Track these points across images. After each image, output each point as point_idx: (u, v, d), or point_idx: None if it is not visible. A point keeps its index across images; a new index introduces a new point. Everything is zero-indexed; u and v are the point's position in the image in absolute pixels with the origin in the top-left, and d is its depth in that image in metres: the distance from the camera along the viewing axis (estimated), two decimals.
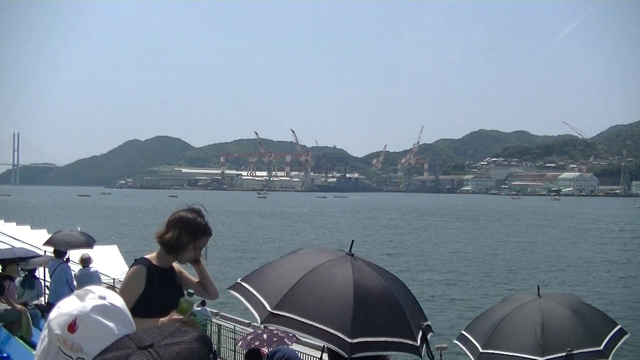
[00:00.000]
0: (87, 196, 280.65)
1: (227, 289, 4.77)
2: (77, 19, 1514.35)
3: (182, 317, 4.34)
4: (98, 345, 2.07)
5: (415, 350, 4.04)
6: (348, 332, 3.86)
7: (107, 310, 2.17)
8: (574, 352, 5.63)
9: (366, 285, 4.17)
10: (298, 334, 4.12)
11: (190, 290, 4.83)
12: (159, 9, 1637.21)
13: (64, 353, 2.16)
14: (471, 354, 6.28)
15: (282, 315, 4.06)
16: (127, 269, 20.02)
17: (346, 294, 4.06)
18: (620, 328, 6.16)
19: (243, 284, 4.56)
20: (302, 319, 3.99)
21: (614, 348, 5.88)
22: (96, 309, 2.16)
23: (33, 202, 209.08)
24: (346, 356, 3.86)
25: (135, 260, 5.23)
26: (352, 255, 4.51)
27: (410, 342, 4.03)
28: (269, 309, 4.13)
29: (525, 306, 6.39)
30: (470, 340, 6.37)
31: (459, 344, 6.59)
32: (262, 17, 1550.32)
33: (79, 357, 2.14)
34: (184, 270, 5.33)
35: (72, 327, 2.13)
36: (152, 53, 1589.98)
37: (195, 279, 5.30)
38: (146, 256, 5.19)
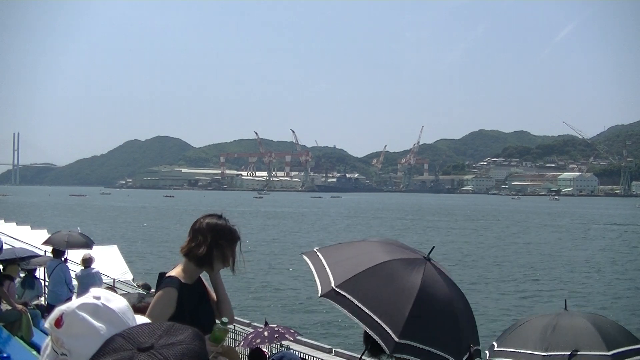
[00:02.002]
0: (82, 196, 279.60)
1: (302, 253, 4.58)
2: (78, 19, 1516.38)
3: (217, 346, 4.20)
4: (82, 343, 2.06)
5: None
6: (398, 330, 3.83)
7: (96, 310, 2.15)
8: (578, 352, 5.62)
9: (431, 292, 4.12)
10: (350, 317, 3.95)
11: (225, 319, 4.44)
12: (159, 9, 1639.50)
13: (53, 349, 2.18)
14: (487, 350, 6.41)
15: (342, 294, 4.02)
16: (127, 269, 19.87)
17: (409, 294, 4.02)
18: None
19: (318, 253, 4.46)
20: (360, 305, 3.95)
21: (624, 359, 5.73)
22: (84, 306, 2.15)
23: (33, 202, 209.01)
24: (388, 352, 3.83)
25: (161, 277, 4.73)
26: (429, 260, 4.43)
27: (451, 358, 3.95)
28: (333, 285, 4.08)
29: (546, 315, 6.54)
30: (493, 344, 6.52)
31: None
32: (262, 17, 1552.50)
33: (62, 353, 2.14)
34: (221, 284, 4.93)
35: (58, 322, 2.13)
36: (152, 53, 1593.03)
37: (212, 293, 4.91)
38: (172, 273, 4.69)
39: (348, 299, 4.00)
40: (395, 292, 4.07)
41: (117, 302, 2.25)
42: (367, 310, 3.93)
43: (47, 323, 2.18)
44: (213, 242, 4.59)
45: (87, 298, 2.20)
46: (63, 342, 2.12)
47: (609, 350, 5.67)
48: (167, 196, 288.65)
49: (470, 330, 4.30)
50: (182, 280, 4.60)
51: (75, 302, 2.19)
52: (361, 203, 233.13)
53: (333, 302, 4.05)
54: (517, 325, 6.57)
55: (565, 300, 6.94)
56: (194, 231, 4.70)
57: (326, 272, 4.21)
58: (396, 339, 3.80)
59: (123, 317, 2.21)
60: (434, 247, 4.70)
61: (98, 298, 2.19)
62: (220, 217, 4.78)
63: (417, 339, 3.86)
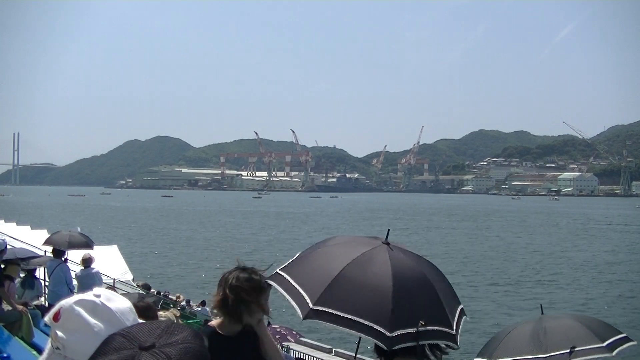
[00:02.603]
0: (81, 196, 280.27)
1: (266, 279, 4.52)
2: (78, 19, 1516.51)
3: None
4: (75, 339, 2.08)
5: (453, 339, 4.03)
6: (387, 325, 3.85)
7: (94, 307, 2.17)
8: (577, 348, 5.75)
9: (404, 275, 4.11)
10: (338, 328, 3.93)
11: None
12: (159, 9, 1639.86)
13: (51, 343, 2.20)
14: None
15: (323, 311, 3.98)
16: (127, 269, 19.94)
17: (385, 286, 4.01)
18: (626, 336, 6.24)
19: (282, 274, 4.38)
20: (343, 314, 3.93)
21: (618, 347, 5.95)
22: (81, 303, 2.17)
23: (32, 202, 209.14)
24: (386, 349, 3.83)
25: (201, 327, 4.88)
26: (388, 244, 4.41)
27: (447, 330, 4.03)
28: (310, 305, 4.03)
29: (529, 321, 6.60)
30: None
31: None
32: (262, 17, 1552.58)
33: (57, 347, 2.17)
34: (267, 337, 4.76)
35: (56, 315, 2.16)
36: (152, 53, 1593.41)
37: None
38: (212, 323, 4.74)
39: (329, 312, 3.96)
40: (370, 288, 4.05)
41: (118, 303, 2.26)
42: (351, 317, 3.91)
43: (47, 317, 2.21)
44: (237, 299, 4.51)
45: (87, 295, 2.22)
46: (58, 335, 2.14)
47: (602, 342, 5.87)
48: (165, 196, 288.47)
49: (448, 294, 4.33)
50: (218, 330, 4.64)
51: (74, 297, 2.22)
52: (360, 203, 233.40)
53: (317, 321, 4.01)
54: (503, 335, 6.60)
55: (541, 305, 7.13)
56: (220, 286, 4.63)
57: (298, 292, 4.16)
58: (389, 334, 3.82)
59: (121, 318, 2.21)
60: (389, 230, 4.64)
61: (98, 296, 2.21)
62: (244, 269, 4.65)
63: (407, 324, 3.88)
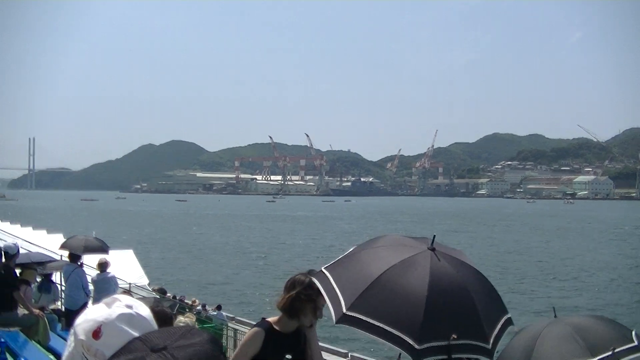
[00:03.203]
0: (94, 200, 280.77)
1: (312, 277, 4.87)
2: (91, 23, 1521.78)
3: None
4: None
5: (487, 353, 4.01)
6: (417, 337, 3.84)
7: (132, 319, 2.19)
8: (617, 349, 5.49)
9: (441, 285, 4.10)
10: (368, 335, 4.00)
11: None
12: (173, 12, 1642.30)
13: (86, 358, 2.18)
14: None
15: (354, 316, 4.05)
16: (143, 273, 19.90)
17: (419, 295, 4.01)
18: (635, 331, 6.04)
19: (326, 272, 4.53)
20: (373, 321, 3.97)
21: None
22: (122, 317, 2.18)
23: (47, 206, 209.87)
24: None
25: (257, 322, 5.40)
26: (433, 249, 4.42)
27: (481, 344, 3.99)
28: (344, 310, 4.11)
29: (550, 326, 6.28)
30: None
31: None
32: (277, 20, 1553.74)
33: None
34: (315, 340, 5.40)
35: (96, 333, 2.15)
36: (166, 57, 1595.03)
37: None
38: (269, 319, 5.30)
39: (360, 319, 4.02)
40: (404, 297, 4.06)
41: (145, 309, 2.30)
42: (381, 325, 3.93)
43: (83, 335, 2.17)
44: (296, 297, 5.07)
45: (121, 308, 2.22)
46: (104, 354, 2.12)
47: (632, 341, 5.63)
48: (179, 200, 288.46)
49: (491, 305, 4.31)
50: (274, 326, 5.20)
51: (112, 312, 2.20)
52: (375, 206, 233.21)
53: (347, 326, 4.09)
54: (530, 339, 6.29)
55: (554, 308, 6.90)
56: (285, 287, 5.25)
57: (337, 294, 4.25)
58: (417, 347, 3.82)
59: (152, 323, 2.26)
60: (435, 235, 4.63)
61: (130, 307, 2.24)
62: (306, 274, 5.20)
63: (437, 337, 3.87)
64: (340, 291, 4.25)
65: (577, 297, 42.06)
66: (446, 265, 4.28)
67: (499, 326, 4.17)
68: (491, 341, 4.05)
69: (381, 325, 3.93)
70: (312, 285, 4.94)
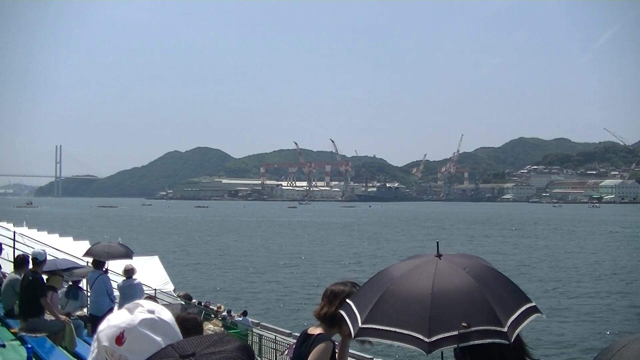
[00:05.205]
0: (113, 207, 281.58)
1: (340, 310, 4.88)
2: (117, 29, 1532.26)
3: None
4: (144, 358, 2.10)
5: (503, 335, 4.03)
6: (426, 331, 3.99)
7: (155, 324, 2.21)
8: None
9: (445, 281, 4.28)
10: (382, 342, 4.24)
11: None
12: (202, 19, 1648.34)
13: None
14: None
15: (369, 327, 4.24)
16: (168, 279, 20.07)
17: (424, 294, 4.19)
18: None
19: (349, 301, 4.69)
20: (386, 327, 4.16)
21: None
22: (144, 322, 2.20)
23: (75, 213, 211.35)
24: (425, 353, 3.96)
25: (309, 334, 5.31)
26: (439, 256, 4.57)
27: (495, 328, 4.05)
28: (360, 324, 4.30)
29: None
30: None
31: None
32: (303, 26, 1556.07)
33: None
34: (346, 351, 5.46)
35: (119, 339, 2.16)
36: (192, 64, 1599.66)
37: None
38: (320, 331, 5.28)
39: (375, 328, 4.21)
40: (411, 300, 4.23)
41: (167, 313, 2.32)
42: (393, 329, 4.12)
43: (107, 341, 2.17)
44: (336, 306, 5.07)
45: (143, 313, 2.24)
46: (127, 358, 2.16)
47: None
48: (199, 207, 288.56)
49: (509, 295, 4.39)
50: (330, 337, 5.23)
51: (134, 318, 2.22)
52: (399, 212, 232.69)
53: (364, 338, 4.32)
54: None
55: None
56: (324, 296, 5.31)
57: (354, 312, 4.45)
58: (427, 340, 3.96)
59: (174, 328, 2.29)
60: (438, 242, 4.73)
61: (152, 312, 2.25)
62: (346, 284, 5.33)
63: (447, 328, 4.00)
64: (357, 310, 4.44)
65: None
66: (452, 266, 4.44)
67: (517, 313, 4.21)
68: (507, 324, 4.09)
69: (392, 329, 4.12)
70: (350, 293, 5.11)
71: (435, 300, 4.14)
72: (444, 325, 4.02)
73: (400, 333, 4.09)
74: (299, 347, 5.30)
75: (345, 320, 4.65)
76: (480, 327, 4.01)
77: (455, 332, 3.96)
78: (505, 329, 4.08)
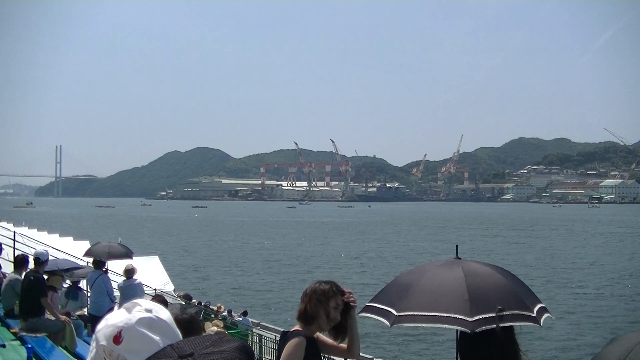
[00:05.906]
0: (110, 207, 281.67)
1: (359, 313, 5.18)
2: (119, 33, 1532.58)
3: None
4: (142, 358, 2.10)
5: (533, 319, 4.45)
6: (468, 312, 4.30)
7: (152, 323, 2.20)
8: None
9: (475, 276, 4.64)
10: (424, 326, 4.49)
11: None
12: (201, 19, 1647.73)
13: None
14: None
15: (406, 314, 4.52)
16: (168, 280, 20.01)
17: (459, 284, 4.54)
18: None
19: (371, 304, 4.96)
20: (425, 313, 4.45)
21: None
22: (141, 321, 2.18)
23: (75, 213, 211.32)
24: (470, 332, 4.23)
25: (284, 334, 5.45)
26: (459, 259, 4.96)
27: (527, 313, 4.44)
28: (395, 313, 4.57)
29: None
30: None
31: None
32: (302, 27, 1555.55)
33: None
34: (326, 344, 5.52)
35: (117, 338, 2.15)
36: (192, 65, 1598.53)
37: (329, 342, 5.48)
38: (297, 328, 5.38)
39: (412, 314, 4.50)
40: (446, 288, 4.55)
41: (165, 312, 2.31)
42: (433, 313, 4.43)
43: (104, 341, 2.15)
44: (312, 302, 5.25)
45: (141, 312, 2.23)
46: (125, 358, 2.14)
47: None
48: (197, 207, 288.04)
49: (527, 293, 4.78)
50: (306, 334, 5.29)
51: (131, 317, 2.21)
52: (399, 212, 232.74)
53: (403, 324, 4.57)
54: (624, 356, 6.02)
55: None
56: (302, 296, 5.41)
57: (384, 309, 4.72)
58: (470, 319, 4.25)
59: (173, 327, 2.27)
60: (457, 245, 5.15)
61: (150, 311, 2.24)
62: (325, 282, 5.40)
63: (485, 310, 4.30)
64: (387, 305, 4.72)
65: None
66: (476, 264, 4.87)
67: (538, 305, 4.63)
68: (535, 310, 4.52)
69: (434, 313, 4.42)
70: (319, 290, 5.29)
71: (470, 288, 4.46)
72: (482, 308, 4.31)
73: (442, 316, 4.37)
74: (280, 347, 5.41)
75: (341, 319, 5.15)
76: (514, 312, 4.35)
77: (493, 314, 4.25)
78: (535, 314, 4.48)
